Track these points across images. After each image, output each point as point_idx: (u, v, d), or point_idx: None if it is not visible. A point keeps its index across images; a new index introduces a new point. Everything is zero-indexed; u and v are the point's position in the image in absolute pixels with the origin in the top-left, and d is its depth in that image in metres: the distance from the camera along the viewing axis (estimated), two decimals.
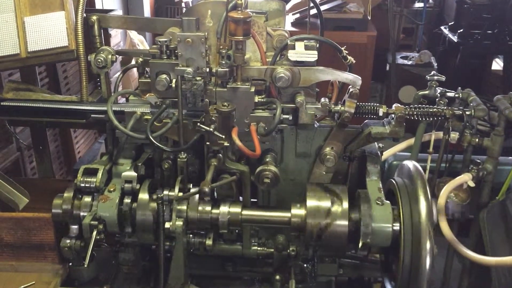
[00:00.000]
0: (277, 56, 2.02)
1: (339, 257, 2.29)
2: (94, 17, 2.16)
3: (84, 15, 2.16)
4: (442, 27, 5.90)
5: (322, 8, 3.58)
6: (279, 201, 2.20)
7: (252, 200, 2.13)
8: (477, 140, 2.64)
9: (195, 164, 2.14)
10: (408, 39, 6.94)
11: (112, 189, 2.05)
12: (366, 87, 4.97)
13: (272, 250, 2.19)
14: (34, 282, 2.09)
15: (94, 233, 1.98)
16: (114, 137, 2.15)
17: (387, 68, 6.02)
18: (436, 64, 5.55)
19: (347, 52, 2.08)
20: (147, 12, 7.52)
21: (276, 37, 2.09)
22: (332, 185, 2.08)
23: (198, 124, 1.92)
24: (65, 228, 2.09)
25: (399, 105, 2.05)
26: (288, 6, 5.30)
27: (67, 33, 2.11)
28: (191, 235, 2.10)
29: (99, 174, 2.05)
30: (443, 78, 2.75)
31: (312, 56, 1.94)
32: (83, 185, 2.05)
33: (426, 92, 2.75)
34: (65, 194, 2.06)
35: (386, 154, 2.90)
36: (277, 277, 2.18)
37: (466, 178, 2.62)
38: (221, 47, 1.94)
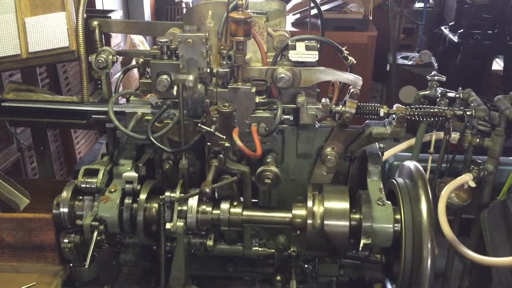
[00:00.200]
0: (278, 57, 2.02)
1: (340, 258, 2.29)
2: (95, 22, 2.16)
3: (85, 15, 2.16)
4: (442, 27, 5.89)
5: (322, 8, 3.56)
6: (280, 201, 2.20)
7: (252, 200, 2.13)
8: (478, 140, 2.64)
9: (196, 165, 2.14)
10: (409, 39, 6.94)
11: (113, 190, 2.05)
12: (366, 87, 4.96)
13: (273, 250, 2.19)
14: (35, 283, 2.09)
15: (95, 233, 1.98)
16: (115, 137, 2.15)
17: (388, 68, 6.01)
18: (436, 64, 5.54)
19: (347, 52, 2.08)
20: (147, 12, 7.51)
21: (277, 38, 2.09)
22: (333, 185, 2.08)
23: (199, 124, 1.92)
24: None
25: (400, 105, 2.05)
26: (288, 7, 5.30)
27: (68, 33, 2.11)
28: (191, 236, 2.10)
29: (100, 175, 2.05)
30: (443, 78, 2.75)
31: (313, 56, 1.94)
32: (84, 185, 2.05)
33: (427, 92, 2.75)
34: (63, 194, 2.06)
35: (387, 154, 2.89)
36: (278, 277, 2.18)
37: (467, 178, 2.62)
38: (222, 47, 1.94)
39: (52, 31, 2.09)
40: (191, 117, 2.01)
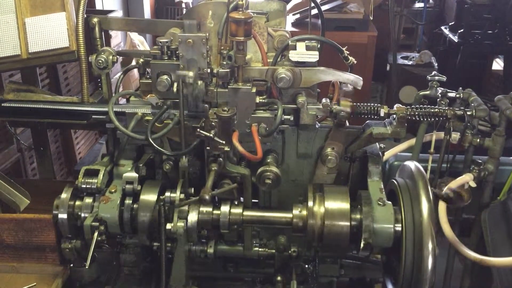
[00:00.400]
0: (278, 57, 2.02)
1: (340, 258, 2.29)
2: (95, 19, 2.15)
3: (85, 15, 2.16)
4: (442, 27, 5.89)
5: (322, 8, 3.55)
6: (280, 202, 2.20)
7: (253, 201, 2.13)
8: (478, 140, 2.64)
9: (196, 165, 2.14)
10: (409, 39, 6.95)
11: (113, 190, 2.05)
12: (366, 88, 4.96)
13: (274, 251, 2.19)
14: (35, 283, 2.09)
15: (96, 234, 1.97)
16: (115, 138, 2.15)
17: (388, 68, 6.02)
18: (436, 64, 5.55)
19: (348, 52, 2.08)
20: (147, 12, 7.51)
21: (277, 38, 2.09)
22: (334, 185, 2.08)
23: (198, 130, 1.92)
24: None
25: (400, 105, 2.05)
26: (288, 7, 5.30)
27: (68, 34, 2.10)
28: (192, 243, 2.10)
29: (100, 175, 2.05)
30: (444, 78, 2.75)
31: (313, 56, 1.94)
32: (84, 186, 2.05)
33: (427, 92, 2.75)
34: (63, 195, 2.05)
35: (387, 154, 2.89)
36: (279, 278, 2.18)
37: (467, 179, 2.62)
38: (222, 47, 1.94)
39: (52, 32, 2.08)
40: (192, 117, 2.01)
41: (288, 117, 2.03)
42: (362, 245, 1.89)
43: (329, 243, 1.95)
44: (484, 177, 2.68)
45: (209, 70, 1.92)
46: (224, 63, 1.90)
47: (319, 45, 2.09)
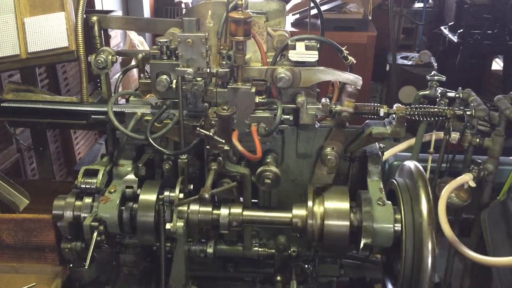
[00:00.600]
0: (278, 57, 2.01)
1: (340, 258, 2.29)
2: (94, 18, 2.15)
3: (84, 15, 2.15)
4: (442, 27, 5.89)
5: (322, 8, 3.56)
6: (280, 202, 2.19)
7: (252, 201, 2.13)
8: (477, 140, 2.64)
9: (196, 165, 2.14)
10: (408, 39, 6.94)
11: (112, 190, 2.04)
12: (366, 88, 4.97)
13: (273, 251, 2.19)
14: (34, 283, 2.09)
15: (95, 234, 1.97)
16: (114, 138, 2.15)
17: (387, 68, 6.01)
18: (436, 64, 5.54)
19: (347, 52, 2.08)
20: (146, 13, 7.53)
21: (277, 38, 2.09)
22: (333, 185, 2.07)
23: (198, 129, 1.92)
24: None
25: (400, 105, 2.04)
26: (288, 7, 5.30)
27: (67, 34, 2.10)
28: (191, 243, 2.10)
29: (100, 175, 2.05)
30: (443, 78, 2.75)
31: (313, 56, 1.94)
32: (83, 186, 2.04)
33: (427, 92, 2.75)
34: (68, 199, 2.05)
35: (387, 154, 2.89)
36: (278, 277, 2.18)
37: (467, 178, 2.62)
38: (221, 47, 1.94)
39: (51, 31, 2.08)
40: (191, 117, 2.01)
41: (288, 117, 2.03)
42: (361, 245, 1.89)
43: (329, 243, 1.95)
44: (484, 177, 2.68)
45: (208, 70, 1.91)
46: (224, 62, 1.90)
47: (318, 45, 2.09)
